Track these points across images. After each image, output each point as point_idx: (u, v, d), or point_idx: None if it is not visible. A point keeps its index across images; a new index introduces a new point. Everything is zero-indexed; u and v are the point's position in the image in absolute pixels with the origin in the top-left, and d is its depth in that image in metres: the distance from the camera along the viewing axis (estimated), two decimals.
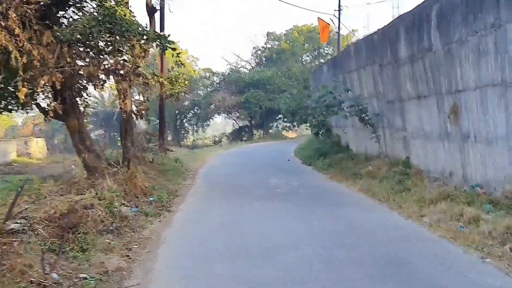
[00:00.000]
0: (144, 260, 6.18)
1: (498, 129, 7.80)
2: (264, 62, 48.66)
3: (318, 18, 25.16)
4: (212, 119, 47.58)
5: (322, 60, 50.06)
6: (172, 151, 22.98)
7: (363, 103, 13.44)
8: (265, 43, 49.38)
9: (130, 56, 10.61)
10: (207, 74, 47.07)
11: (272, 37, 48.93)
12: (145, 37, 9.24)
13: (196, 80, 46.38)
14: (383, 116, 13.72)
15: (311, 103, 15.16)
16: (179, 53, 9.94)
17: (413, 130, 11.69)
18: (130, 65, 9.35)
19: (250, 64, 49.57)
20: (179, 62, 10.39)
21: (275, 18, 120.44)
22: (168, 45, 9.26)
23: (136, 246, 6.79)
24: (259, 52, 49.78)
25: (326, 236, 7.07)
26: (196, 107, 46.01)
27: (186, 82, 11.98)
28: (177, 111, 45.68)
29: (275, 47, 48.56)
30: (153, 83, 10.99)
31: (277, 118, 46.52)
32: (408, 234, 7.06)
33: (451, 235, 6.74)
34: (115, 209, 8.04)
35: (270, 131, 46.49)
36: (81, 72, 9.26)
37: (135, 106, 12.59)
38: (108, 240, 6.71)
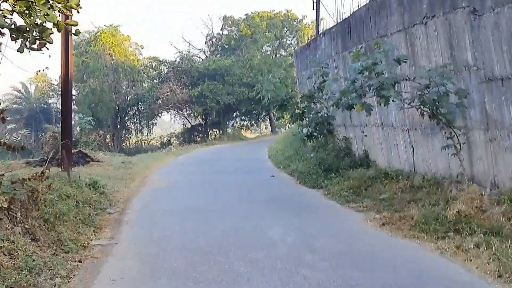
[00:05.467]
0: None
1: None
2: (220, 51, 41.60)
3: None
4: (159, 116, 39.76)
5: (283, 52, 43.67)
6: (98, 161, 15.83)
7: (449, 81, 7.09)
8: (221, 29, 42.34)
9: None
10: (154, 64, 39.18)
11: (229, 22, 41.87)
12: None
13: (139, 71, 38.59)
14: (472, 107, 7.49)
15: (332, 85, 8.74)
16: None
17: None
18: None
19: (204, 53, 42.37)
20: None
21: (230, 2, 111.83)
22: None
23: None
24: (214, 39, 42.60)
25: None
26: (140, 103, 38.26)
27: None
28: (117, 107, 37.73)
29: (233, 33, 41.61)
30: None
31: (233, 116, 39.87)
32: None
33: None
34: None
35: (228, 130, 39.68)
36: None
37: None
38: None
